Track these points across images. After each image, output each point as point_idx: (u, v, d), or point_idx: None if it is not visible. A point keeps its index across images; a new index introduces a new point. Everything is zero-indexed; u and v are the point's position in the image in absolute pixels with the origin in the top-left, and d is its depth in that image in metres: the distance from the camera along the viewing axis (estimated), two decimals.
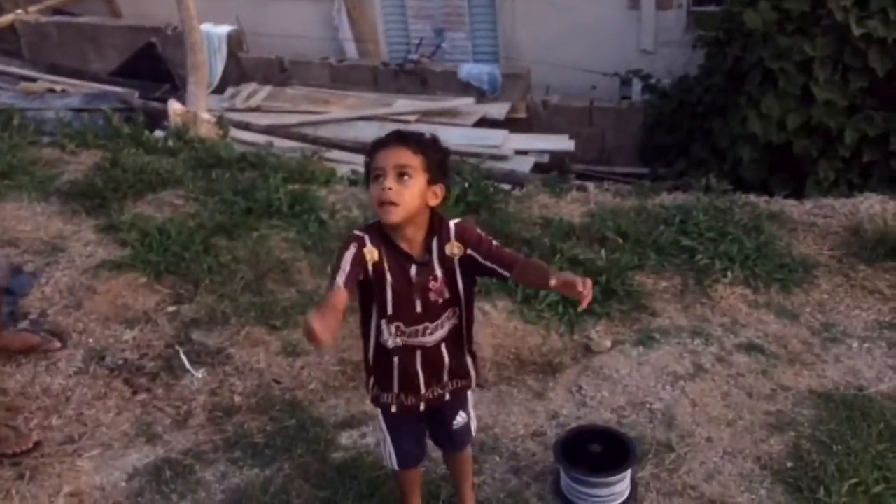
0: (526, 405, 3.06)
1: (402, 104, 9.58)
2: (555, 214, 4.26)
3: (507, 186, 5.39)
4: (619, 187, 5.16)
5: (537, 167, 8.21)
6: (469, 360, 2.20)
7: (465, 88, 9.72)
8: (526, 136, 8.95)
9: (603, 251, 3.87)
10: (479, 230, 2.03)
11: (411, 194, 1.90)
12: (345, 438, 2.90)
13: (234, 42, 10.57)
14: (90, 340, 3.33)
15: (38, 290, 3.58)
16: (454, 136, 8.32)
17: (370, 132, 8.87)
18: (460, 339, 2.14)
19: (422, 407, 2.15)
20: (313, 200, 4.38)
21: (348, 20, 10.78)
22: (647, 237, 4.03)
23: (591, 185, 5.19)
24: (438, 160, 1.96)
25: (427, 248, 1.99)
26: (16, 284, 3.58)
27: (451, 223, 2.02)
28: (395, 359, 2.07)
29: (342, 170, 5.92)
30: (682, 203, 4.35)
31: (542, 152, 8.63)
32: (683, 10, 9.52)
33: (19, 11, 10.76)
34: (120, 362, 3.22)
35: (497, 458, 2.77)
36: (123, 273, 3.67)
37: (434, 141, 2.00)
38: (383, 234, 1.96)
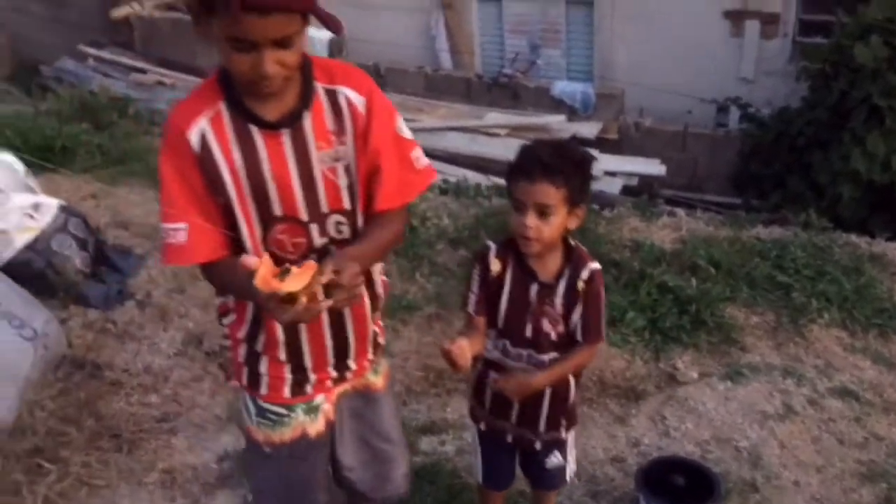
0: (607, 429, 3.05)
1: (493, 117, 9.64)
2: (645, 238, 4.22)
3: (595, 206, 5.37)
4: (711, 216, 5.08)
5: (626, 189, 8.15)
6: (565, 416, 2.10)
7: (557, 106, 9.71)
8: (616, 157, 8.88)
9: (693, 280, 3.82)
10: (603, 289, 1.97)
11: (551, 230, 1.84)
12: (424, 443, 2.95)
13: (335, 47, 10.82)
14: (190, 324, 3.48)
15: (146, 273, 3.76)
16: None
17: (460, 143, 8.98)
18: (566, 389, 2.06)
19: (509, 438, 2.10)
20: None
21: (446, 31, 10.93)
22: (741, 269, 3.95)
23: (681, 212, 5.12)
24: (581, 185, 1.86)
25: (558, 276, 1.94)
26: (125, 265, 3.78)
27: (591, 265, 1.94)
28: (492, 374, 2.02)
29: (434, 180, 6.00)
30: (778, 237, 4.26)
31: (631, 175, 8.55)
32: (789, 39, 9.29)
33: (135, 5, 11.29)
34: (217, 348, 3.34)
35: (576, 480, 2.76)
36: None
37: (580, 163, 1.87)
38: (515, 248, 1.93)
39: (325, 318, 1.72)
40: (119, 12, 11.17)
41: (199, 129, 1.55)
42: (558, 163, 1.82)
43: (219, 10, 1.38)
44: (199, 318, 3.51)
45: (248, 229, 1.62)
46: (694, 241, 4.18)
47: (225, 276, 1.63)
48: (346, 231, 1.69)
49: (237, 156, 1.57)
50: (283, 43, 1.44)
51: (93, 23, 11.64)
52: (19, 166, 3.89)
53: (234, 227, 1.62)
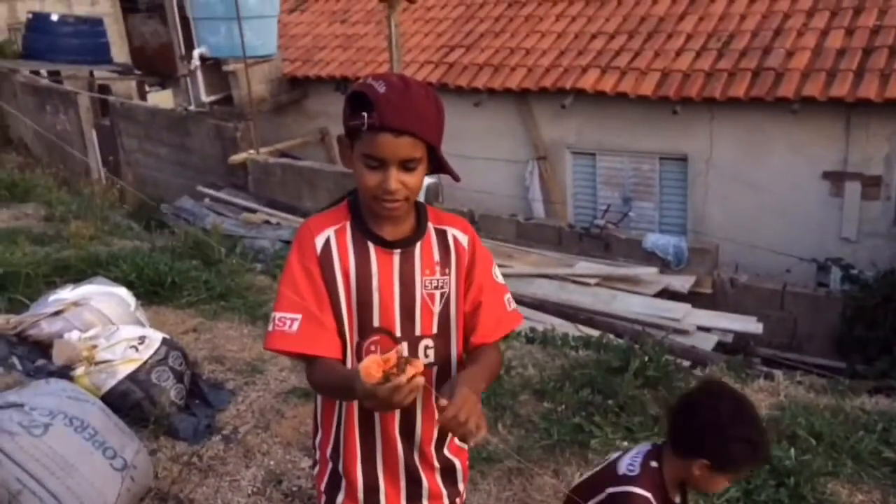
0: None
1: (584, 266, 9.67)
2: None
3: (685, 362, 5.22)
4: (812, 380, 4.84)
5: (720, 346, 7.90)
6: None
7: (649, 258, 9.66)
8: (710, 312, 8.67)
9: (792, 450, 3.61)
10: None
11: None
12: None
13: (433, 193, 11.27)
14: (272, 463, 3.51)
15: (234, 408, 3.86)
16: (634, 305, 8.24)
17: (549, 290, 9.01)
18: None
19: None
20: None
21: (539, 182, 11.26)
22: (844, 442, 3.71)
23: (779, 374, 4.92)
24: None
25: None
26: (216, 399, 3.89)
27: None
28: None
29: (521, 326, 6.01)
30: (885, 409, 4.01)
31: (726, 331, 8.30)
32: (892, 202, 9.08)
33: (251, 152, 12.20)
34: (295, 489, 3.35)
35: None
36: (311, 402, 3.88)
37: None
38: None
39: (396, 427, 1.84)
40: (237, 157, 12.07)
41: (324, 236, 1.80)
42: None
43: (362, 132, 1.67)
44: (280, 457, 3.55)
45: (350, 334, 1.78)
46: (793, 408, 3.98)
47: (327, 372, 1.74)
48: (431, 356, 1.85)
49: (352, 262, 1.78)
50: (407, 165, 1.71)
51: (213, 167, 12.61)
52: (131, 300, 4.16)
53: (340, 332, 1.78)
